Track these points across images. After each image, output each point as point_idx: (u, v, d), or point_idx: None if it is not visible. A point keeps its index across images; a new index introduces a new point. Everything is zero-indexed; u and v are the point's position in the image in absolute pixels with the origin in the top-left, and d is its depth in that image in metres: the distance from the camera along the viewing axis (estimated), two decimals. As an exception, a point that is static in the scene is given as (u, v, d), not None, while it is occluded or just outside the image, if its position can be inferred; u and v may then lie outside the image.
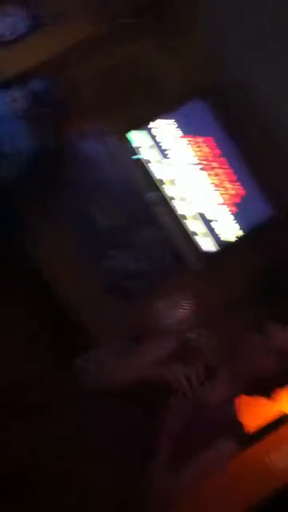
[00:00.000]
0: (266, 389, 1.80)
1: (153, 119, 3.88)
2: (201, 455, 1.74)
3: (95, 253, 3.99)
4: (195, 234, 3.84)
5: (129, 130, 3.84)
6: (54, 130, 3.73)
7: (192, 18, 3.89)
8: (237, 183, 3.84)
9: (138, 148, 3.89)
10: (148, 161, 3.88)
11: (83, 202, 3.95)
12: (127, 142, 3.85)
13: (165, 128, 3.87)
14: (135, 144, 3.89)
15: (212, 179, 3.86)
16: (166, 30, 3.88)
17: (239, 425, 1.82)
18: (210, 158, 3.86)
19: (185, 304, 3.57)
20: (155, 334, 1.88)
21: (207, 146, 3.86)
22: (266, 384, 1.77)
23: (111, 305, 3.98)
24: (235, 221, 3.83)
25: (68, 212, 3.94)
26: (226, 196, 3.85)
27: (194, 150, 3.87)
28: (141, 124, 3.86)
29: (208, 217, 3.85)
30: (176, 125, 3.87)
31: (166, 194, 3.86)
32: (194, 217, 3.84)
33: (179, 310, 2.60)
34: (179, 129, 3.87)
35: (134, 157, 3.86)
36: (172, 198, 3.86)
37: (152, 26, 3.86)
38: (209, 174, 3.86)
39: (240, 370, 1.69)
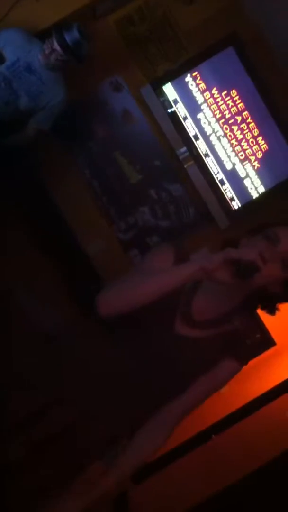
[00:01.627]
0: (268, 302, 1.75)
1: (178, 72, 3.81)
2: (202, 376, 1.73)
3: (120, 207, 4.02)
4: (220, 189, 3.85)
5: (157, 83, 3.78)
6: (84, 82, 3.73)
7: None
8: (260, 138, 3.83)
9: (171, 101, 3.81)
10: (179, 116, 3.83)
11: (111, 155, 3.97)
12: (160, 95, 3.79)
13: (191, 81, 3.80)
14: (168, 97, 3.81)
15: (236, 134, 3.84)
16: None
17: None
18: (233, 112, 3.83)
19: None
20: None
21: (231, 99, 3.82)
22: (268, 295, 1.72)
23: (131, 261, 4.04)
24: (258, 177, 3.85)
25: (95, 166, 3.96)
26: (249, 151, 3.85)
27: (219, 103, 3.83)
28: (168, 77, 3.80)
29: (232, 173, 3.85)
30: (201, 77, 3.81)
31: (195, 150, 3.83)
32: (219, 174, 3.85)
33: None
34: (204, 81, 3.81)
35: (168, 110, 3.81)
36: (200, 154, 3.83)
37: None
38: (232, 129, 3.84)
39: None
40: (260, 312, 1.74)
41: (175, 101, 3.80)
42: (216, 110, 3.82)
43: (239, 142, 3.84)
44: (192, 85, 3.80)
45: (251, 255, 1.50)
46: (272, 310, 1.70)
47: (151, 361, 1.68)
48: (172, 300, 1.67)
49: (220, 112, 3.82)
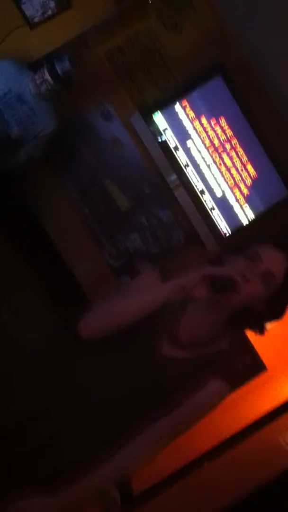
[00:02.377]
0: (255, 321, 1.77)
1: (168, 101, 3.87)
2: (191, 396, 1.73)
3: (110, 234, 4.04)
4: (210, 217, 3.88)
5: (147, 112, 3.82)
6: (74, 110, 3.79)
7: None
8: (249, 165, 3.89)
9: (160, 130, 3.85)
10: (169, 144, 3.86)
11: (101, 182, 4.01)
12: (150, 124, 3.83)
13: (181, 110, 3.85)
14: (158, 126, 3.85)
15: (226, 161, 3.89)
16: (171, 8, 3.89)
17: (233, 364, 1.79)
18: (223, 140, 3.89)
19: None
20: None
21: (220, 127, 3.88)
22: (254, 314, 1.73)
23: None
24: (248, 204, 3.89)
25: (85, 192, 3.97)
26: (239, 178, 3.90)
27: (208, 132, 3.88)
28: (158, 106, 3.84)
29: (222, 200, 3.89)
30: (191, 106, 3.86)
31: (185, 177, 3.86)
32: (209, 200, 3.88)
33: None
34: (193, 110, 3.86)
35: (158, 139, 3.85)
36: (190, 182, 3.87)
37: (158, 4, 3.86)
38: (222, 157, 3.89)
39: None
40: (250, 337, 1.76)
41: (165, 130, 3.85)
42: (206, 138, 3.87)
43: (228, 169, 3.88)
44: (181, 114, 3.85)
45: (228, 271, 1.53)
46: (260, 330, 1.72)
47: (137, 382, 1.68)
48: (156, 321, 1.68)
49: (209, 140, 3.87)
